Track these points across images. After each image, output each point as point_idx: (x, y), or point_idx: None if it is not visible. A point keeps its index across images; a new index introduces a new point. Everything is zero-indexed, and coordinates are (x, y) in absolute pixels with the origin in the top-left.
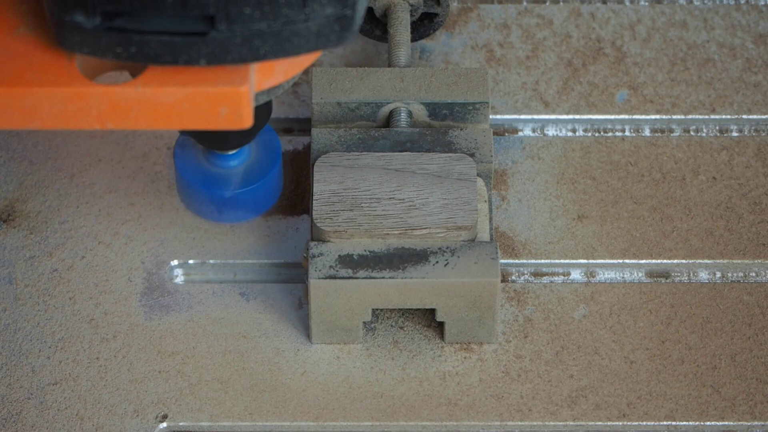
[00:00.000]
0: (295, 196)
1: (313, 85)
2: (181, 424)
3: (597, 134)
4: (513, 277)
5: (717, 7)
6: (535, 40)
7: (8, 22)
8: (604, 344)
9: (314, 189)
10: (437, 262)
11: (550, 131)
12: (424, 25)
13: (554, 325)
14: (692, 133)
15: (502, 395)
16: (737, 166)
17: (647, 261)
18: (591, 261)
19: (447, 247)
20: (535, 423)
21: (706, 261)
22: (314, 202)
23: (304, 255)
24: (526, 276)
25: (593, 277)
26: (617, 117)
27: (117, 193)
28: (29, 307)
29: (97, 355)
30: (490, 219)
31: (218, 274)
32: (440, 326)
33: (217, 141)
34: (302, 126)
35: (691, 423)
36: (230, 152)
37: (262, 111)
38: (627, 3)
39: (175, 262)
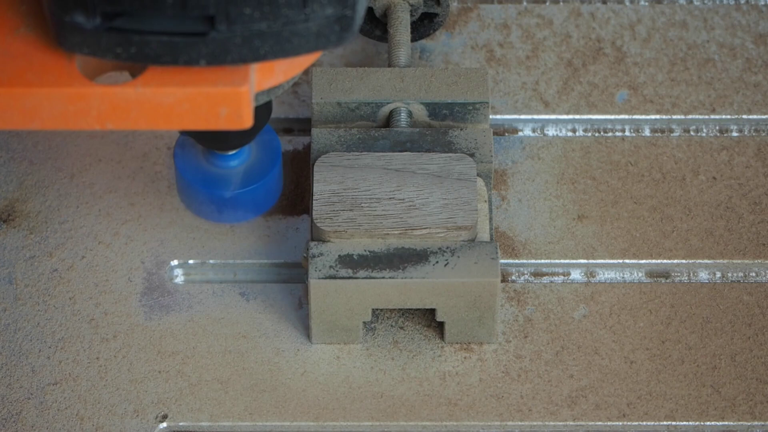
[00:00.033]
0: (295, 196)
1: (313, 85)
2: (181, 424)
3: (597, 134)
4: (513, 277)
5: (717, 7)
6: (535, 40)
7: (8, 23)
8: (604, 344)
9: (314, 189)
10: (437, 262)
11: (550, 131)
12: (424, 25)
13: (554, 325)
14: (692, 133)
15: (502, 395)
16: (737, 166)
17: (647, 261)
18: (591, 261)
19: (447, 247)
20: (535, 423)
21: (706, 261)
22: (314, 202)
23: (304, 255)
24: (526, 276)
25: (593, 277)
26: (617, 117)
27: (117, 193)
28: (29, 307)
29: (97, 355)
30: (490, 219)
31: (218, 274)
32: (440, 326)
33: (217, 141)
34: (302, 126)
35: (691, 423)
36: (230, 152)
37: (262, 111)
38: (627, 3)
39: (175, 262)
